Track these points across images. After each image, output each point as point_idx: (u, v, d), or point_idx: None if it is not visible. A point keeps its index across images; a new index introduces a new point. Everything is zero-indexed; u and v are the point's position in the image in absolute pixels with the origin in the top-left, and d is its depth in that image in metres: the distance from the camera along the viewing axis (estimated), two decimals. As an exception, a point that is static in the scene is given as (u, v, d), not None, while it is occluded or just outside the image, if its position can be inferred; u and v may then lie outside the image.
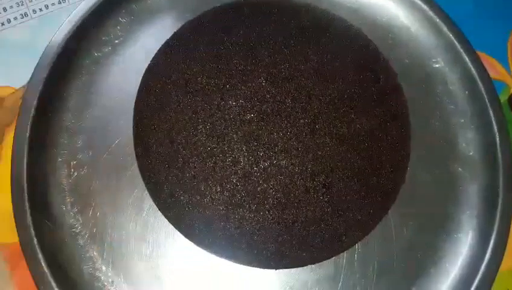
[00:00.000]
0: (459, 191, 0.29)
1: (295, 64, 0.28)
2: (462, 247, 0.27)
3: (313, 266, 0.25)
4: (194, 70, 0.27)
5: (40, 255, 0.24)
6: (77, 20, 0.29)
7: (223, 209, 0.25)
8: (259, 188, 0.25)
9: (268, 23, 0.29)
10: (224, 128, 0.26)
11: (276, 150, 0.26)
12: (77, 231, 0.26)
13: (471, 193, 0.29)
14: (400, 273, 0.26)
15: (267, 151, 0.26)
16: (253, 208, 0.25)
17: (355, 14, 0.31)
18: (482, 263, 0.26)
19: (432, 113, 0.30)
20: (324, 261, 0.25)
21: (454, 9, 0.32)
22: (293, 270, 0.25)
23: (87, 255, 0.26)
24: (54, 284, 0.24)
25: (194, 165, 0.26)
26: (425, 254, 0.27)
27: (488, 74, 0.31)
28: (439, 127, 0.30)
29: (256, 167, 0.26)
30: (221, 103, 0.27)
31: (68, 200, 0.27)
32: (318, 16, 0.30)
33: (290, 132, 0.26)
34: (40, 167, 0.27)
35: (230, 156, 0.26)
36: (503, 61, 0.34)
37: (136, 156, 0.26)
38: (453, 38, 0.31)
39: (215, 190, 0.25)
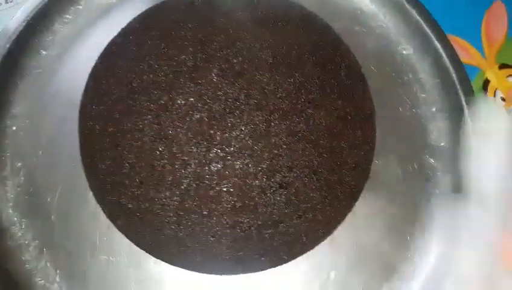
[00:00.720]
0: (430, 183, 0.27)
1: (249, 58, 0.26)
2: (433, 243, 0.26)
3: (273, 270, 0.24)
4: (140, 67, 0.26)
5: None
6: (23, 20, 0.28)
7: (173, 215, 0.24)
8: (211, 192, 0.24)
9: (219, 16, 0.27)
10: (172, 129, 0.25)
11: (230, 150, 0.24)
12: (27, 242, 0.25)
13: (443, 184, 0.27)
14: (369, 273, 0.25)
15: (219, 152, 0.24)
16: (206, 213, 0.24)
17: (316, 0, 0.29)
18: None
19: (402, 103, 0.29)
20: (285, 265, 0.24)
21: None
22: (253, 275, 0.24)
23: (39, 267, 0.25)
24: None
25: (141, 171, 0.24)
26: (394, 252, 0.26)
27: (460, 61, 0.29)
28: (409, 116, 0.28)
29: (208, 169, 0.24)
30: (169, 102, 0.25)
31: (18, 210, 0.25)
32: (274, 5, 0.28)
33: (244, 131, 0.25)
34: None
35: (179, 159, 0.24)
36: (477, 43, 0.32)
37: (82, 162, 0.24)
38: (422, 23, 0.30)
39: (164, 195, 0.24)
